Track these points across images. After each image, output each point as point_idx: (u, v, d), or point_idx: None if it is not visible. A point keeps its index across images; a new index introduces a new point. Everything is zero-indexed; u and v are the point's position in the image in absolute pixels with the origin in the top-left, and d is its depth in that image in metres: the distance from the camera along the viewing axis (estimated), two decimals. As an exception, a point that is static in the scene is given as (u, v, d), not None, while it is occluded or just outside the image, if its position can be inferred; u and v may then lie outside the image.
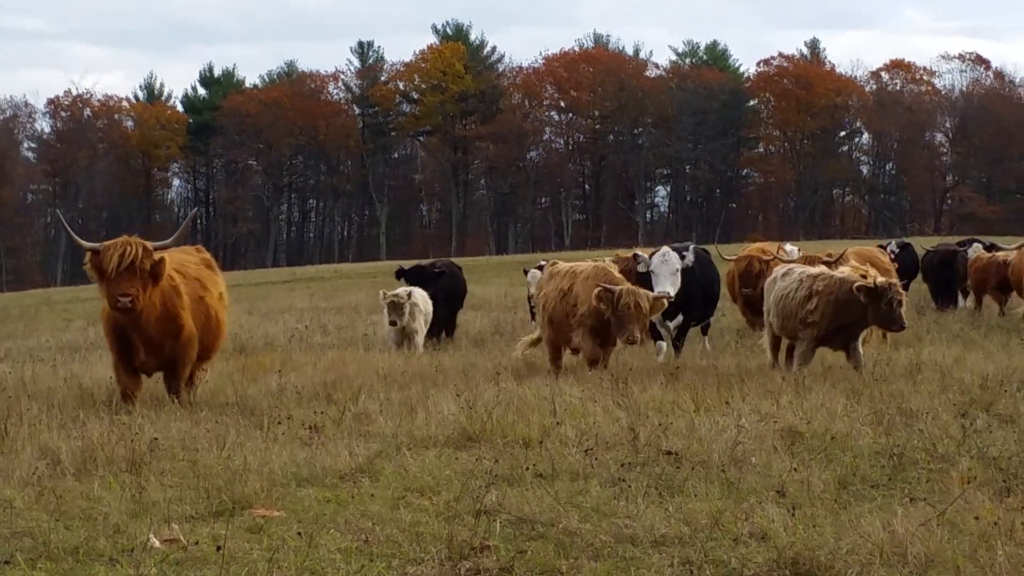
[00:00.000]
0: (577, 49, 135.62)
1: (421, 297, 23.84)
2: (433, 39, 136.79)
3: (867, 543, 8.14)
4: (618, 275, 17.99)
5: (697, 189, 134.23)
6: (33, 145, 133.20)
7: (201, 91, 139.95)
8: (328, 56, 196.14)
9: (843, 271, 17.86)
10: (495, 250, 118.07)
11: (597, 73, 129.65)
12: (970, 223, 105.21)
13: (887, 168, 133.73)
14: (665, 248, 20.30)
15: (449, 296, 27.06)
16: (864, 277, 17.05)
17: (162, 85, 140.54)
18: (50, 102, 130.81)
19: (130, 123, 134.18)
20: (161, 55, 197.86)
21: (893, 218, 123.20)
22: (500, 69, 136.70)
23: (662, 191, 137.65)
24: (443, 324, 26.76)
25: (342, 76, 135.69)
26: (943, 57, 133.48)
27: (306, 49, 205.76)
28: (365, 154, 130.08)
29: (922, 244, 35.76)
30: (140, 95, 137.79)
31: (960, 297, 30.93)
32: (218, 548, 8.17)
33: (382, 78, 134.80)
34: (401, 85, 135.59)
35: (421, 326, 23.65)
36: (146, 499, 9.93)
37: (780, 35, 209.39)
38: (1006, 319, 27.08)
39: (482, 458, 11.13)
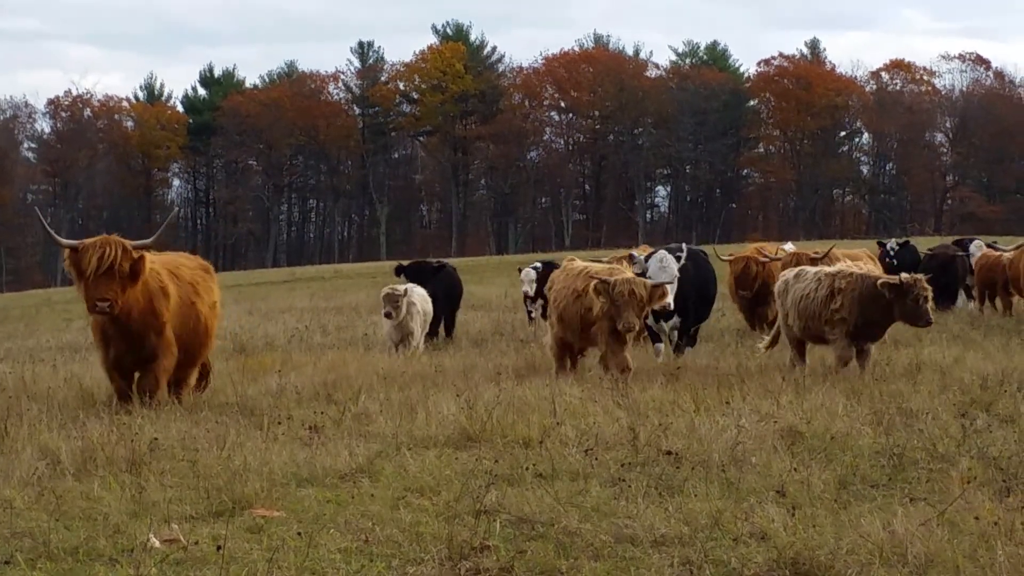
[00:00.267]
0: (577, 49, 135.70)
1: (420, 296, 23.76)
2: (433, 39, 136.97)
3: (867, 543, 8.15)
4: (631, 274, 17.85)
5: (697, 189, 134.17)
6: (33, 145, 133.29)
7: (201, 91, 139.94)
8: (328, 56, 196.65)
9: (861, 268, 17.90)
10: (495, 250, 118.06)
11: (597, 73, 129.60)
12: (970, 223, 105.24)
13: (887, 168, 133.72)
14: (662, 252, 20.13)
15: (448, 294, 27.06)
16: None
17: (162, 85, 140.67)
18: (50, 102, 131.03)
19: (130, 123, 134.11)
20: (160, 56, 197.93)
21: (893, 218, 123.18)
22: (500, 69, 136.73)
23: (662, 191, 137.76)
24: (443, 323, 26.76)
25: (342, 76, 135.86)
26: (943, 57, 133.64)
27: (306, 49, 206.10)
28: (365, 154, 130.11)
29: (918, 243, 35.61)
30: (140, 95, 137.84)
31: (963, 296, 30.76)
32: (218, 548, 8.19)
33: (382, 78, 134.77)
34: (401, 85, 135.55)
35: (419, 324, 23.54)
36: (146, 499, 9.94)
37: (780, 35, 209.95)
38: (1005, 320, 26.99)
39: (482, 458, 11.14)
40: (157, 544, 8.58)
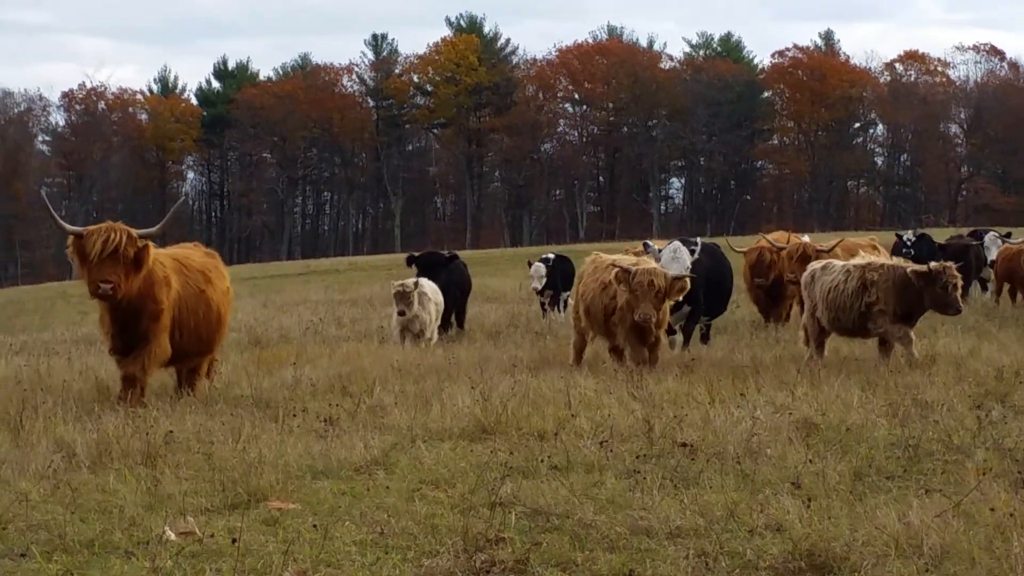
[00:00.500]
0: (591, 41, 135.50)
1: (430, 287, 23.69)
2: (447, 31, 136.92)
3: (882, 535, 8.13)
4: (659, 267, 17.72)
5: (711, 181, 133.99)
6: (48, 138, 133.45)
7: (215, 84, 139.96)
8: (342, 49, 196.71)
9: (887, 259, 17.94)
10: (509, 242, 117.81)
11: (611, 65, 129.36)
12: (985, 214, 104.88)
13: (902, 159, 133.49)
14: (675, 244, 20.05)
15: (460, 285, 27.01)
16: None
17: (176, 78, 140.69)
18: (64, 95, 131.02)
19: (144, 116, 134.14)
20: (174, 49, 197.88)
21: (908, 209, 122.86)
22: (514, 61, 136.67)
23: (676, 183, 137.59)
24: (454, 314, 26.70)
25: (356, 69, 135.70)
26: (957, 48, 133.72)
27: (320, 42, 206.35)
28: (379, 146, 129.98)
29: (931, 234, 35.47)
30: (154, 88, 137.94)
31: (977, 287, 30.61)
32: (233, 540, 8.19)
33: (396, 71, 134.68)
34: (415, 78, 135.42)
35: (432, 316, 23.46)
36: (161, 492, 9.95)
37: (794, 27, 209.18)
38: (1020, 311, 26.90)
39: (497, 450, 11.14)
40: (172, 537, 8.59)
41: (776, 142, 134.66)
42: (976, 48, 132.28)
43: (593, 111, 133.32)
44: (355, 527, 8.88)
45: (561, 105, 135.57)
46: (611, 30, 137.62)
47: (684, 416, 12.35)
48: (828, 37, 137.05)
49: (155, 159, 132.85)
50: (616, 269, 17.08)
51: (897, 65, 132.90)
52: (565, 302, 30.17)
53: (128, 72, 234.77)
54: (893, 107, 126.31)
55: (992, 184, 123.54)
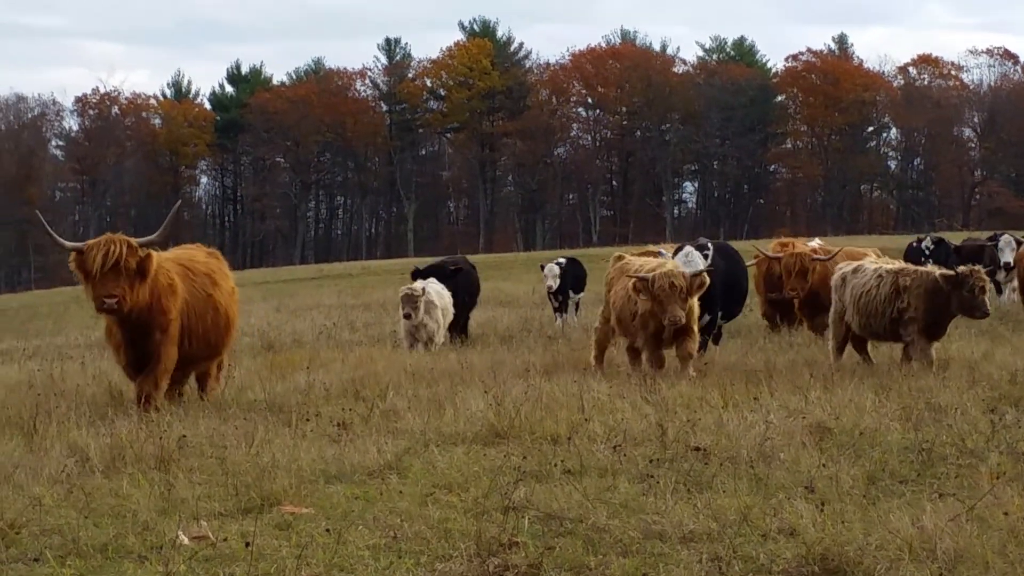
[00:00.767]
0: (604, 45, 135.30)
1: (436, 292, 23.66)
2: (460, 36, 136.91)
3: (896, 539, 8.12)
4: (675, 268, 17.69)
5: (725, 185, 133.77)
6: (61, 143, 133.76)
7: (228, 88, 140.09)
8: (355, 53, 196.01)
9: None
10: (523, 246, 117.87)
11: (624, 69, 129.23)
12: (999, 218, 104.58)
13: (915, 163, 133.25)
14: (688, 248, 20.03)
15: (466, 293, 26.84)
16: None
17: (189, 83, 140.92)
18: (78, 100, 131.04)
19: (158, 121, 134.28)
20: (188, 53, 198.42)
21: (921, 213, 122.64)
22: (527, 65, 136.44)
23: (690, 187, 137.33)
24: (458, 323, 26.43)
25: (369, 73, 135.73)
26: (971, 52, 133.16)
27: (333, 46, 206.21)
28: (392, 151, 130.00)
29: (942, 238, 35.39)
30: (168, 93, 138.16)
31: (993, 290, 30.38)
32: (247, 545, 8.21)
33: (409, 75, 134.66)
34: (428, 82, 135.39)
35: (439, 324, 23.42)
36: (175, 496, 9.97)
37: (807, 30, 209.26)
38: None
39: (510, 454, 11.15)
40: (186, 541, 8.60)
41: (789, 146, 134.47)
42: (989, 52, 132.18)
43: (606, 115, 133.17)
44: (368, 531, 8.89)
45: (574, 109, 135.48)
46: (624, 34, 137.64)
47: (697, 420, 12.36)
48: (842, 41, 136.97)
49: (168, 164, 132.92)
50: (633, 280, 17.09)
51: (910, 69, 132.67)
52: (577, 305, 30.17)
53: (141, 77, 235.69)
54: (906, 111, 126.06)
55: (1006, 188, 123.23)
